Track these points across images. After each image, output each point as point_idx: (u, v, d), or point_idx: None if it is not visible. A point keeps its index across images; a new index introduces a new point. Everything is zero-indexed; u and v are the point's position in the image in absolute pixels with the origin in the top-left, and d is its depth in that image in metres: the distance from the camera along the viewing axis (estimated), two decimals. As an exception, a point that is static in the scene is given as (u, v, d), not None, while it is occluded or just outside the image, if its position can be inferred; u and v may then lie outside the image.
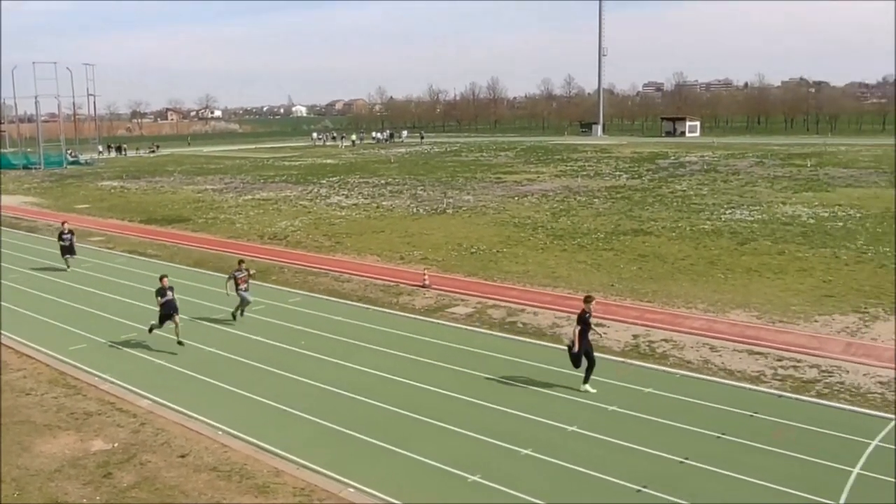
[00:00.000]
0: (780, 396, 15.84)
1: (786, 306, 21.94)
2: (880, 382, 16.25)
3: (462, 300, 23.82)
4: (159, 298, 19.80)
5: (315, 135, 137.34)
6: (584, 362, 16.41)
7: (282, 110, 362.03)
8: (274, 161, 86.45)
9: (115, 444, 14.26)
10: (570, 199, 46.14)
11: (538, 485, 12.41)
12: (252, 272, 22.84)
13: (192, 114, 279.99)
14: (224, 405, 16.02)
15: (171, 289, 19.96)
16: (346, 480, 12.69)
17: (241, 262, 22.48)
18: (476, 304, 23.30)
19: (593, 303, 17.04)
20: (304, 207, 45.90)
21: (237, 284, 21.65)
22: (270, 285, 26.41)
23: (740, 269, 26.60)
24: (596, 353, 18.59)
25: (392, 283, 26.23)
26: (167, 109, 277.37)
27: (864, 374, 16.71)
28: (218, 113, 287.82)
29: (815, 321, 20.58)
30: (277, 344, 19.97)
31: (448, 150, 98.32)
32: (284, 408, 15.78)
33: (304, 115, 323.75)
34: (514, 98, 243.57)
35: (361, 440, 14.26)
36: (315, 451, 13.77)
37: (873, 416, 14.65)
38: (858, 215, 36.73)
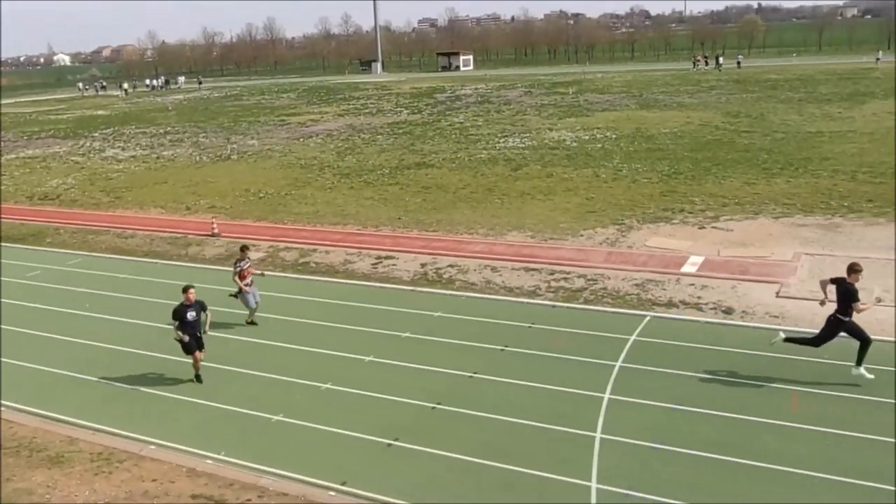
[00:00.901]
0: (554, 307, 17.04)
1: (555, 224, 23.41)
2: (635, 284, 17.90)
3: (253, 245, 23.35)
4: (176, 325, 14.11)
5: (81, 84, 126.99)
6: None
7: (42, 60, 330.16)
8: (38, 115, 79.15)
9: None
10: (354, 137, 46.06)
11: (338, 416, 12.66)
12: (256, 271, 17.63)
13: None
14: (6, 381, 14.87)
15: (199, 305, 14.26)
16: (145, 439, 12.30)
17: (244, 248, 17.27)
18: (268, 249, 22.97)
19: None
20: (76, 163, 42.61)
21: (241, 277, 16.62)
22: (46, 248, 24.54)
23: (515, 193, 27.95)
24: (387, 285, 19.09)
25: (180, 235, 25.21)
26: None
27: (623, 279, 18.32)
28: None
29: (581, 235, 22.15)
30: (60, 309, 18.70)
31: (228, 94, 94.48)
32: (74, 374, 14.92)
33: (68, 64, 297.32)
34: (293, 38, 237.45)
35: (158, 396, 13.84)
36: (110, 414, 13.20)
37: (631, 315, 16.17)
38: (614, 136, 39.53)
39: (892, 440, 11.01)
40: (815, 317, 15.47)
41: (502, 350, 14.88)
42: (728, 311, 16.07)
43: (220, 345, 15.69)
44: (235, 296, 16.79)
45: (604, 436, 11.61)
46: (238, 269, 16.62)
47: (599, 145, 37.11)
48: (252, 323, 16.96)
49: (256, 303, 16.80)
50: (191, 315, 13.94)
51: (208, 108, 74.12)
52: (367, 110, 62.12)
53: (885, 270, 17.68)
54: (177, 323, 13.99)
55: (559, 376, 13.58)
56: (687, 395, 12.68)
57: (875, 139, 34.02)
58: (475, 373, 13.93)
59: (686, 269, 18.74)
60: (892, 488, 9.93)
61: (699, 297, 16.94)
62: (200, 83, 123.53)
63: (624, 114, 48.92)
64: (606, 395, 12.82)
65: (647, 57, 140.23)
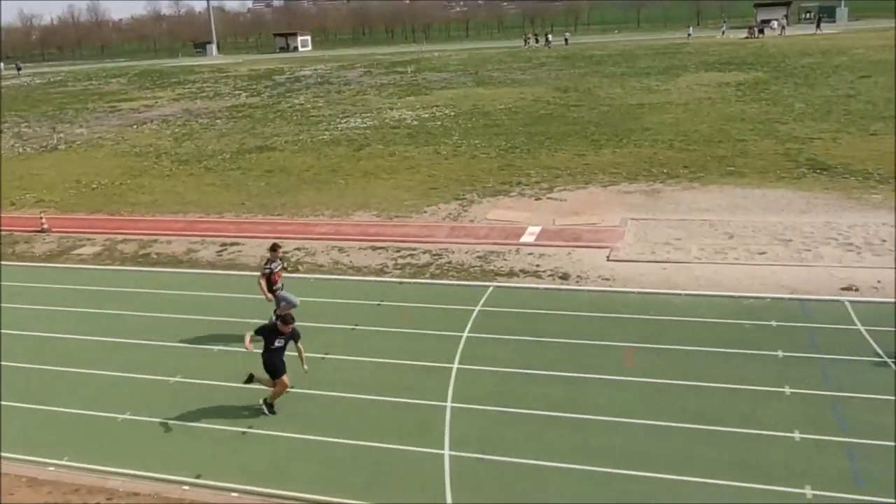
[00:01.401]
0: (402, 283, 17.19)
1: (400, 202, 23.56)
2: (478, 257, 18.35)
3: (88, 240, 22.08)
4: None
5: None
6: None
7: None
8: None
9: None
10: (191, 122, 44.29)
11: (189, 409, 12.27)
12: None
13: None
14: None
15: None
16: (-21, 450, 11.45)
17: (275, 247, 14.65)
18: (105, 242, 21.76)
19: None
20: None
21: (272, 282, 14.17)
22: None
23: (359, 173, 27.86)
24: (233, 272, 18.63)
25: (5, 233, 23.42)
26: None
27: (466, 252, 18.73)
28: None
29: (425, 212, 22.42)
30: None
31: (51, 80, 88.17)
32: None
33: None
34: (120, 20, 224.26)
35: (-8, 404, 12.89)
36: (-63, 427, 12.17)
37: (476, 286, 16.57)
38: (453, 114, 40.11)
39: (714, 385, 11.93)
40: (641, 277, 16.48)
41: (353, 329, 14.88)
42: (564, 277, 16.79)
43: (50, 344, 14.79)
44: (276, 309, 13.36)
45: (454, 404, 11.89)
46: (267, 271, 14.01)
47: (439, 123, 37.56)
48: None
49: (294, 304, 13.57)
50: (278, 343, 11.81)
51: (30, 96, 68.95)
52: (203, 94, 59.81)
53: (700, 230, 19.00)
54: (252, 334, 11.88)
55: (409, 350, 13.76)
56: (530, 358, 13.18)
57: (689, 109, 36.34)
58: (327, 353, 13.86)
59: (525, 239, 19.38)
60: (714, 427, 10.77)
61: (538, 266, 17.59)
62: (19, 69, 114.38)
63: (461, 91, 49.68)
64: (455, 365, 13.11)
65: (482, 35, 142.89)
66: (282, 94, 55.29)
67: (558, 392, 12.07)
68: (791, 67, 49.84)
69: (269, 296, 13.89)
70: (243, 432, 11.51)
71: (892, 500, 9.12)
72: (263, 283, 13.96)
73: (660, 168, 25.45)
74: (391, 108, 43.73)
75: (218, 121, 44.04)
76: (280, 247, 14.87)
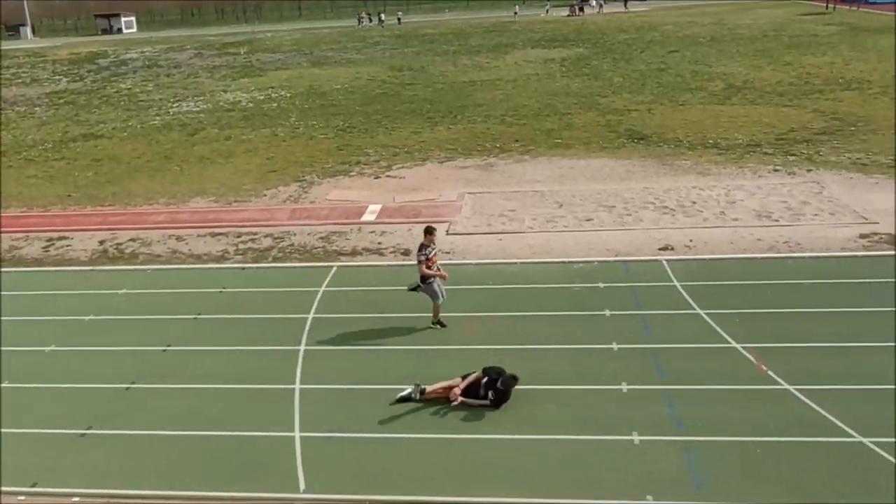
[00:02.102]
0: (244, 269, 16.77)
1: (238, 186, 22.89)
2: (321, 238, 18.19)
3: None
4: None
5: None
6: None
7: None
8: None
9: None
10: (7, 111, 40.88)
11: (21, 415, 11.48)
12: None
13: None
14: None
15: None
16: None
17: (430, 230, 13.35)
18: (-88, 244, 19.79)
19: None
20: None
21: (429, 267, 13.16)
22: None
23: (194, 158, 26.79)
24: (62, 268, 17.56)
25: None
26: None
27: (308, 234, 18.50)
28: None
29: (265, 195, 21.91)
30: None
31: None
32: None
33: None
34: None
35: None
36: None
37: (319, 267, 16.43)
38: (288, 95, 39.28)
39: (549, 346, 12.48)
40: (479, 248, 16.93)
41: (195, 319, 14.39)
42: (406, 253, 16.95)
43: None
44: (416, 289, 13.31)
45: (303, 386, 11.79)
46: (423, 258, 13.05)
47: (275, 104, 36.69)
48: (439, 323, 13.42)
49: (443, 297, 13.32)
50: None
51: None
52: (19, 80, 55.28)
53: (531, 201, 19.71)
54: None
55: (255, 336, 13.48)
56: (377, 335, 13.26)
57: (518, 85, 37.43)
58: (169, 346, 13.35)
59: (366, 217, 19.39)
60: (553, 386, 11.29)
61: (380, 243, 17.66)
62: None
63: (296, 72, 48.69)
64: (302, 348, 12.99)
65: (314, 15, 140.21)
66: (106, 79, 52.04)
67: (405, 365, 12.22)
68: (609, 43, 52.32)
69: (442, 273, 13.30)
70: (82, 434, 10.90)
71: (706, 438, 9.94)
72: (424, 269, 13.03)
73: (493, 143, 26.11)
74: (225, 91, 42.24)
75: (37, 108, 40.93)
76: (434, 230, 13.48)
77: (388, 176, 23.04)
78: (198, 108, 37.02)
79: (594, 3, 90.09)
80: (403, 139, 27.50)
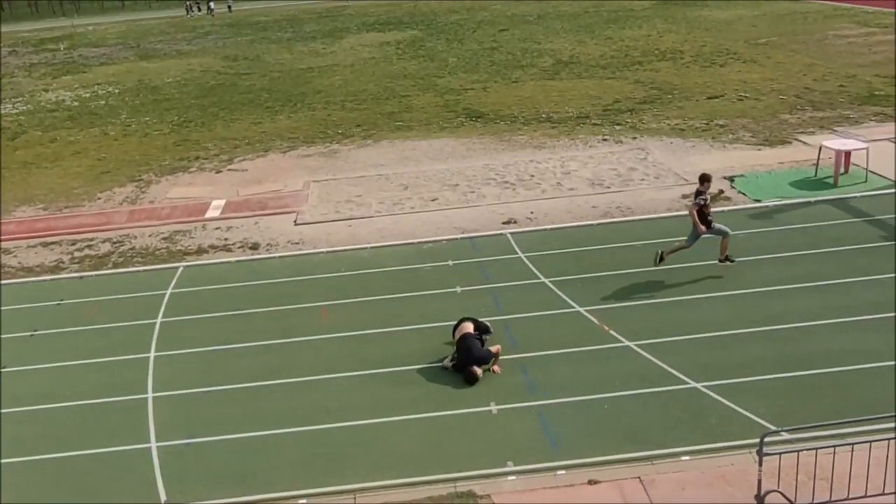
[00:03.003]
0: (82, 277, 15.74)
1: (69, 191, 21.40)
2: (164, 238, 17.35)
3: None
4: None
5: None
6: None
7: None
8: None
9: None
10: None
11: None
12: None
13: None
14: None
15: None
16: None
17: (706, 178, 13.23)
18: None
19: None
20: None
21: (704, 214, 13.22)
22: None
23: (16, 164, 24.76)
24: None
25: None
26: None
27: (150, 235, 17.60)
28: None
29: (99, 199, 20.61)
30: None
31: None
32: None
33: None
34: None
35: None
36: None
37: (164, 269, 15.68)
38: (117, 91, 37.02)
39: (404, 328, 12.54)
40: (329, 236, 16.73)
41: (31, 335, 13.38)
42: (255, 247, 16.49)
43: None
44: (660, 261, 13.51)
45: (156, 394, 11.26)
46: (701, 201, 13.12)
47: (103, 102, 34.48)
48: (728, 260, 13.59)
49: (727, 233, 13.47)
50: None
51: None
52: None
53: (377, 185, 19.67)
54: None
55: (100, 347, 12.71)
56: (230, 333, 12.84)
57: (356, 70, 37.08)
58: (5, 367, 12.34)
59: (210, 214, 18.66)
60: (407, 367, 11.36)
61: (227, 239, 17.07)
62: None
63: (124, 66, 45.95)
64: (152, 354, 12.38)
65: (139, 6, 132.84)
66: None
67: (262, 361, 11.93)
68: (442, 24, 52.79)
69: (703, 228, 13.22)
70: (-89, 474, 9.91)
71: (558, 400, 10.34)
72: (695, 214, 13.11)
73: (335, 129, 25.79)
74: (46, 90, 39.24)
75: None
76: (710, 177, 13.44)
77: (230, 170, 22.25)
78: (17, 110, 34.20)
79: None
80: (243, 131, 26.63)
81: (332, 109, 28.79)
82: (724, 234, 13.40)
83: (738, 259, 13.72)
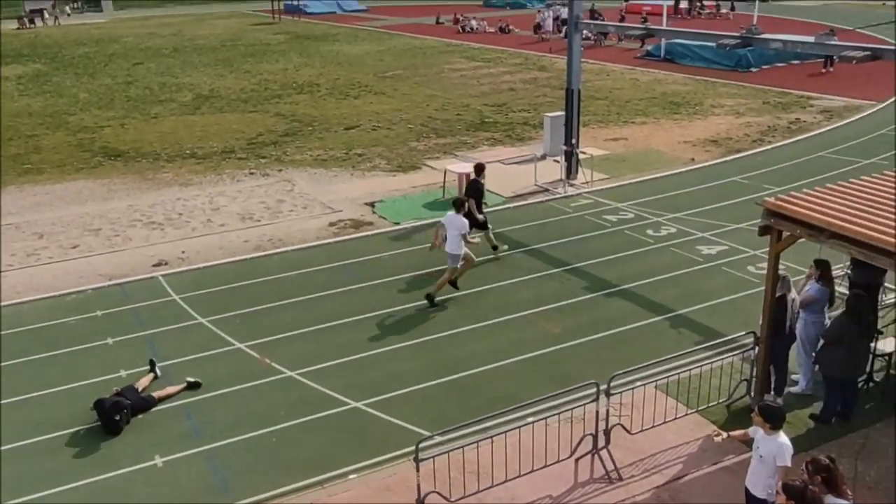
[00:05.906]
0: None
1: None
2: None
3: None
4: None
5: None
6: None
7: None
8: None
9: None
10: None
11: None
12: None
13: None
14: None
15: None
16: None
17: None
18: None
19: None
20: None
21: None
22: None
23: None
24: None
25: None
26: None
27: None
28: None
29: None
30: None
31: None
32: None
33: None
34: None
35: None
36: None
37: None
38: None
39: (49, 391, 11.20)
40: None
41: None
42: None
43: None
44: None
45: None
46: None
47: None
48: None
49: None
50: None
51: None
52: None
53: (8, 236, 17.35)
54: None
55: None
56: None
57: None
58: None
59: None
60: (45, 436, 10.19)
61: None
62: None
63: None
64: None
65: None
66: None
67: None
68: (69, 57, 48.15)
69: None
70: None
71: (225, 441, 10.02)
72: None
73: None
74: None
75: None
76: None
77: None
78: None
79: (47, 14, 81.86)
80: None
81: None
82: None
83: (383, 280, 14.53)
